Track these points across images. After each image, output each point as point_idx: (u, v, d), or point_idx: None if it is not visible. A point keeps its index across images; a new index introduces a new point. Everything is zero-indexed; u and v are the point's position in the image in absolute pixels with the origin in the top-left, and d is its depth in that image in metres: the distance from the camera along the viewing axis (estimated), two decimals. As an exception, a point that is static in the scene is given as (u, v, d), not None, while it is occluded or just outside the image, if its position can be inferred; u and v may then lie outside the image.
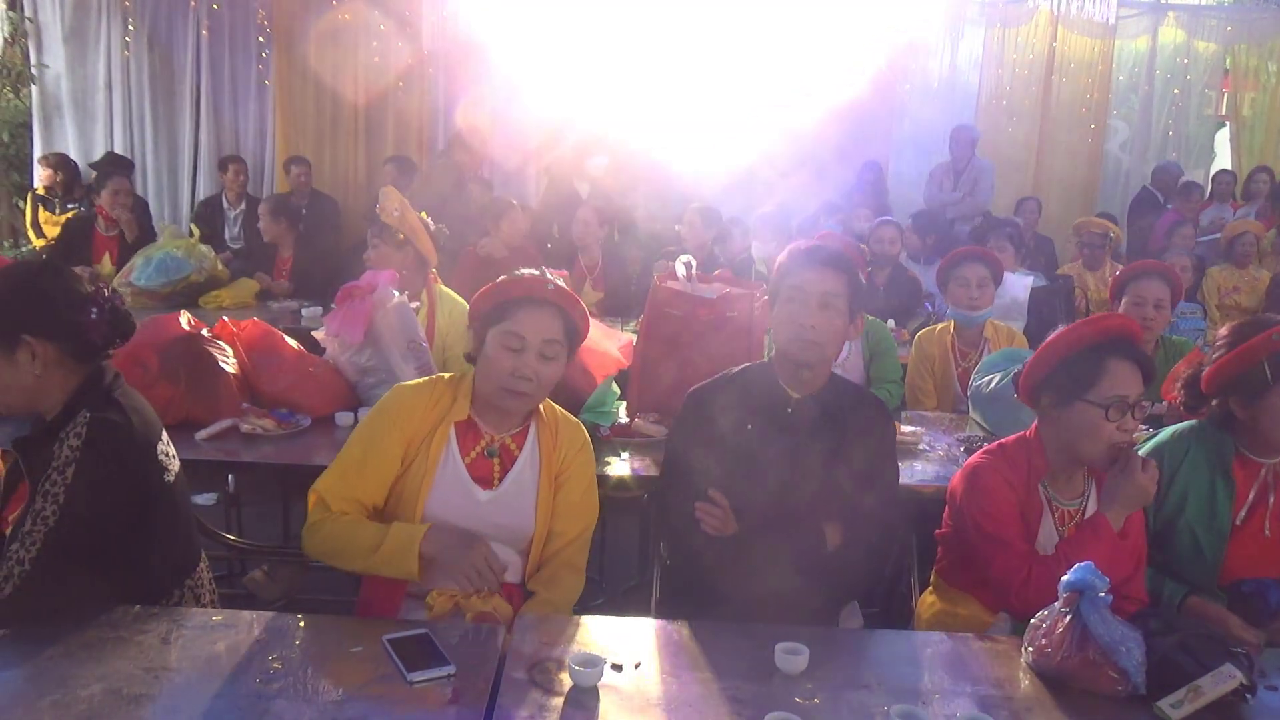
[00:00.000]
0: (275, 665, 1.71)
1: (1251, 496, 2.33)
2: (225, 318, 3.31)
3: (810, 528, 2.23)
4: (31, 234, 7.03)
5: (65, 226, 6.34)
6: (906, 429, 3.26)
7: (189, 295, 5.19)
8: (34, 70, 7.63)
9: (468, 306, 3.70)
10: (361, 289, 3.22)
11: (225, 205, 7.28)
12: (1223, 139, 9.21)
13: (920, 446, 3.21)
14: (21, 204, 7.52)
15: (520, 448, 2.19)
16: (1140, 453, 2.42)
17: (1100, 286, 5.86)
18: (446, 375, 2.23)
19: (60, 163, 7.13)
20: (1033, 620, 1.86)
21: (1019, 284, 4.85)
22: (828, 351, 2.27)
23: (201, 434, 2.93)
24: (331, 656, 1.76)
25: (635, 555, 4.03)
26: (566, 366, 2.21)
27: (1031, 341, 3.87)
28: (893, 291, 5.44)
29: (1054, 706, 1.73)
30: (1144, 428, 2.64)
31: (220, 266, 5.57)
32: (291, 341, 3.31)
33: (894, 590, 2.99)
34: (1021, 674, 1.84)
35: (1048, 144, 8.50)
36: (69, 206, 6.91)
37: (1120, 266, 4.88)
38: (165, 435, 2.04)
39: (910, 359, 4.06)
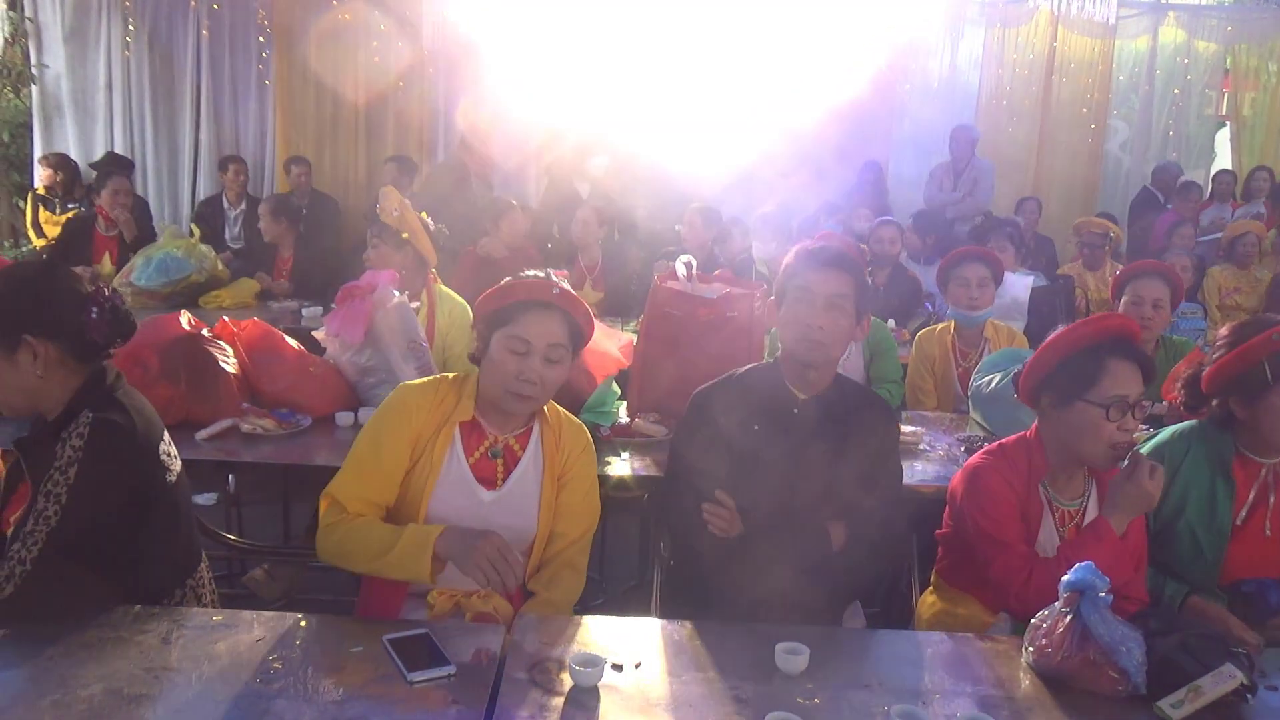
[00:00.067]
0: (275, 665, 1.71)
1: (1252, 496, 2.33)
2: (225, 318, 3.31)
3: (815, 528, 2.24)
4: (32, 234, 7.03)
5: (65, 226, 6.34)
6: (907, 429, 3.25)
7: (189, 295, 5.19)
8: (34, 70, 7.63)
9: (467, 306, 3.75)
10: (362, 289, 3.23)
11: (225, 205, 7.28)
12: (1223, 139, 9.21)
13: (920, 446, 3.21)
14: (22, 204, 7.52)
15: (523, 449, 2.19)
16: (1140, 453, 2.43)
17: (1100, 286, 5.87)
18: (450, 375, 2.23)
19: (60, 163, 7.14)
20: (1033, 620, 1.86)
21: (1019, 284, 4.85)
22: (834, 352, 2.28)
23: (202, 434, 2.93)
24: (331, 656, 1.76)
25: (635, 555, 4.04)
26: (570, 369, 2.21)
27: (1031, 341, 3.87)
28: (893, 291, 5.43)
29: (1054, 706, 1.74)
30: (1144, 428, 2.64)
31: (220, 266, 5.57)
32: (292, 341, 3.31)
33: (894, 590, 2.99)
34: (1022, 674, 1.84)
35: (1048, 144, 8.50)
36: (69, 206, 6.91)
37: (1120, 266, 4.88)
38: (167, 435, 2.04)
39: (910, 359, 4.06)
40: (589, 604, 3.35)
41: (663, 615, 2.37)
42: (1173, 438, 2.43)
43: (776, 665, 1.79)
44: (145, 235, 6.12)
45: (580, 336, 2.17)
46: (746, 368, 2.43)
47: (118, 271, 5.40)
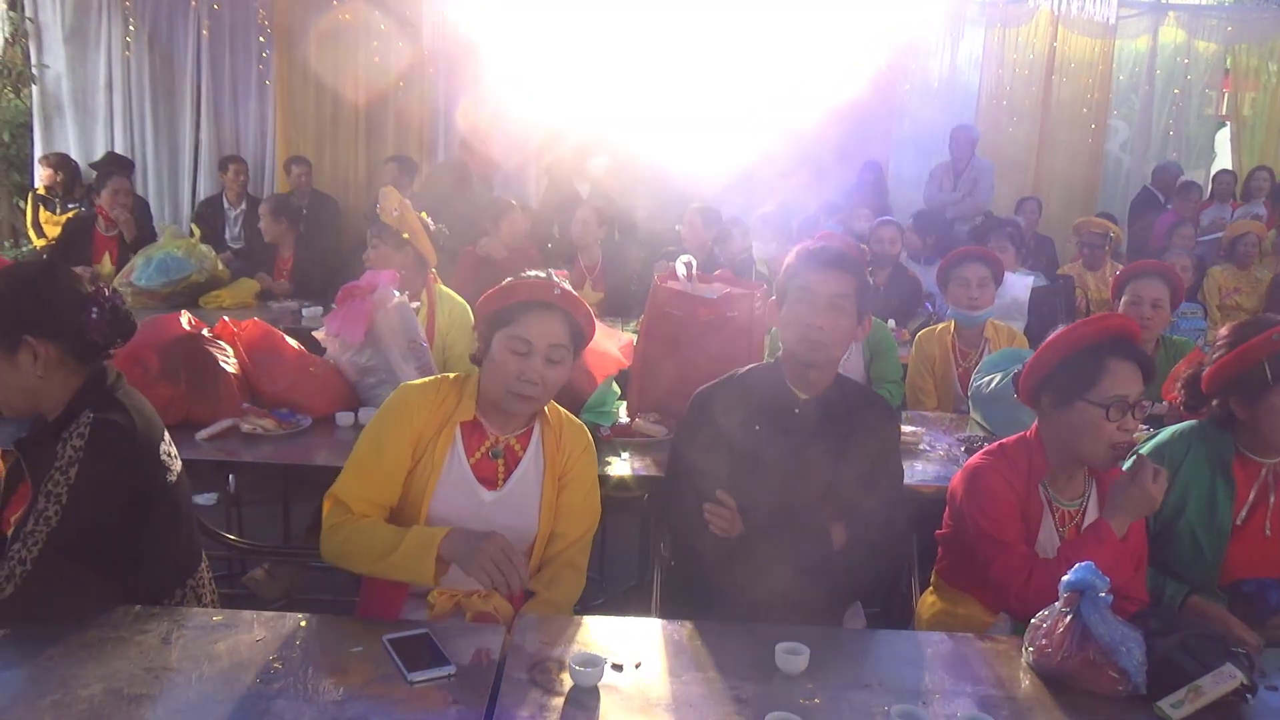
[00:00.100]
0: (275, 665, 1.71)
1: (1252, 496, 2.33)
2: (226, 318, 3.31)
3: (816, 528, 2.24)
4: (32, 234, 7.03)
5: (65, 226, 6.34)
6: (907, 429, 3.25)
7: (189, 295, 5.19)
8: (34, 70, 7.63)
9: (467, 306, 3.75)
10: (362, 289, 3.23)
11: (226, 205, 7.28)
12: (1223, 139, 9.21)
13: (920, 446, 3.21)
14: (22, 204, 7.52)
15: (524, 449, 2.19)
16: (1140, 452, 2.42)
17: (1100, 286, 5.87)
18: (451, 375, 2.23)
19: (61, 163, 7.14)
20: (1033, 620, 1.86)
21: (1019, 284, 4.85)
22: (835, 352, 2.28)
23: (202, 434, 2.93)
24: (331, 656, 1.76)
25: (635, 555, 4.04)
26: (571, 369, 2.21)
27: (1031, 341, 3.87)
28: (893, 291, 5.43)
29: (1054, 706, 1.74)
30: (1144, 427, 2.64)
31: (221, 266, 5.57)
32: (292, 341, 3.31)
33: (894, 590, 2.99)
34: (1022, 674, 1.84)
35: (1048, 144, 8.50)
36: (69, 206, 6.91)
37: (1120, 266, 4.88)
38: (167, 436, 2.04)
39: (910, 359, 4.06)
40: (589, 604, 3.35)
41: (663, 615, 2.37)
42: (1173, 438, 2.43)
43: (776, 665, 1.79)
44: (145, 235, 6.11)
45: (582, 337, 2.17)
46: (748, 368, 2.43)
47: (118, 271, 5.40)
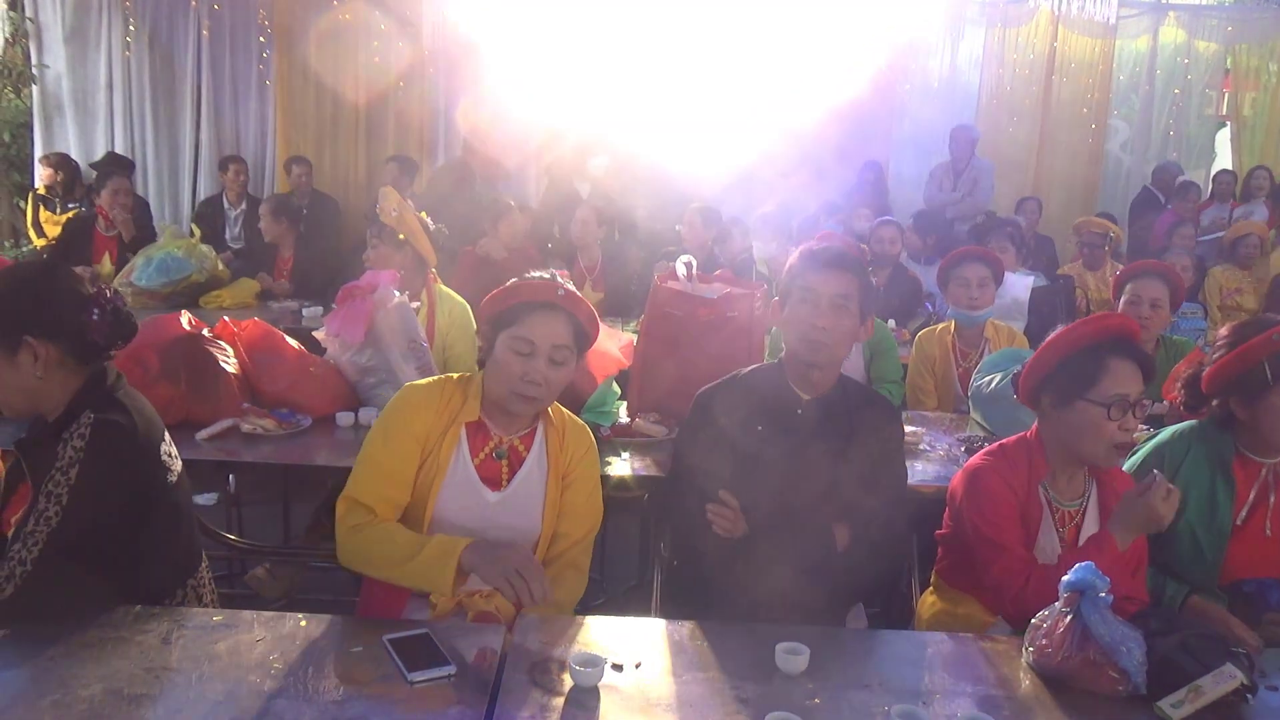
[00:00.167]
0: (275, 665, 1.71)
1: (1252, 496, 2.33)
2: (226, 318, 3.31)
3: (819, 529, 2.24)
4: (32, 234, 7.03)
5: (65, 226, 6.34)
6: (907, 429, 3.24)
7: (190, 295, 5.19)
8: (35, 70, 7.63)
9: (467, 306, 3.75)
10: (362, 289, 3.23)
11: (226, 205, 7.28)
12: (1223, 139, 9.21)
13: (920, 446, 3.21)
14: (22, 204, 7.53)
15: (528, 449, 2.19)
16: (1140, 453, 2.43)
17: (1100, 286, 5.87)
18: (455, 376, 2.23)
19: (61, 162, 7.14)
20: (1033, 620, 1.86)
21: (1019, 284, 4.85)
22: (838, 353, 2.28)
23: (202, 434, 2.93)
24: (332, 656, 1.76)
25: (636, 555, 4.04)
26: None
27: (1032, 341, 3.87)
28: (893, 291, 5.43)
29: (1054, 706, 1.74)
30: (1144, 427, 2.64)
31: (221, 266, 5.57)
32: (292, 341, 3.31)
33: (895, 590, 2.99)
34: (1022, 674, 1.84)
35: (1048, 144, 8.50)
36: (70, 206, 6.91)
37: (1121, 266, 4.88)
38: (168, 436, 2.04)
39: (911, 359, 4.06)
40: (590, 604, 3.34)
41: (663, 615, 2.37)
42: (1173, 438, 2.43)
43: (777, 665, 1.79)
44: (145, 235, 6.12)
45: (585, 338, 2.17)
46: (750, 368, 2.43)
47: (118, 271, 5.40)
